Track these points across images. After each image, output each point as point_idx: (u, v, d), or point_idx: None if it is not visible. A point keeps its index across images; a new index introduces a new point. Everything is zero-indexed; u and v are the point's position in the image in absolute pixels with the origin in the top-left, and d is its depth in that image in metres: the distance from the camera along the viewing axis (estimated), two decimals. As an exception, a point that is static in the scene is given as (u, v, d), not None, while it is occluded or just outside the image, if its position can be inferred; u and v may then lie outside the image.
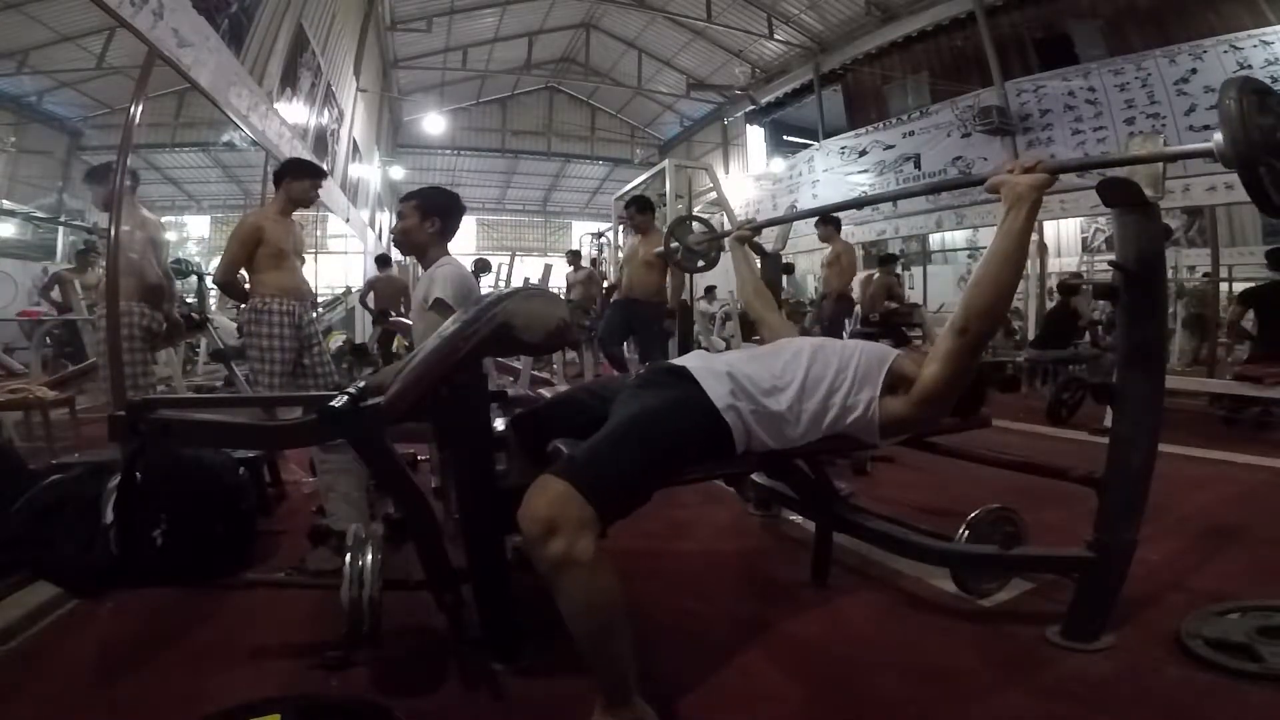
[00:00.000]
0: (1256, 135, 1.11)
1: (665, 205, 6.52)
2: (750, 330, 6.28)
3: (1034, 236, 11.50)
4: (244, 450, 2.37)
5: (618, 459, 1.21)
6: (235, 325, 2.97)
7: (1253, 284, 4.95)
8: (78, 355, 5.56)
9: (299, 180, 2.99)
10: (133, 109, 2.84)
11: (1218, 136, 1.15)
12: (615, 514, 1.18)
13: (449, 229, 2.37)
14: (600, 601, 1.11)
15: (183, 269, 6.22)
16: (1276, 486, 3.00)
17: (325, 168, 3.46)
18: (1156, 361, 1.53)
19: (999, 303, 1.41)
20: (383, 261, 7.43)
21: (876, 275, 6.73)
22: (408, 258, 5.15)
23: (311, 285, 3.45)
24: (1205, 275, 6.84)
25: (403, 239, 2.42)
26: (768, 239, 3.26)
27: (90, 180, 3.13)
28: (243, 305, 2.97)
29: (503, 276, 9.29)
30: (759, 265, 2.86)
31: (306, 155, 6.19)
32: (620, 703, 1.17)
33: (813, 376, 1.48)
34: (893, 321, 6.26)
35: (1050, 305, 6.54)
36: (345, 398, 1.33)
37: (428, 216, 2.32)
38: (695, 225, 3.00)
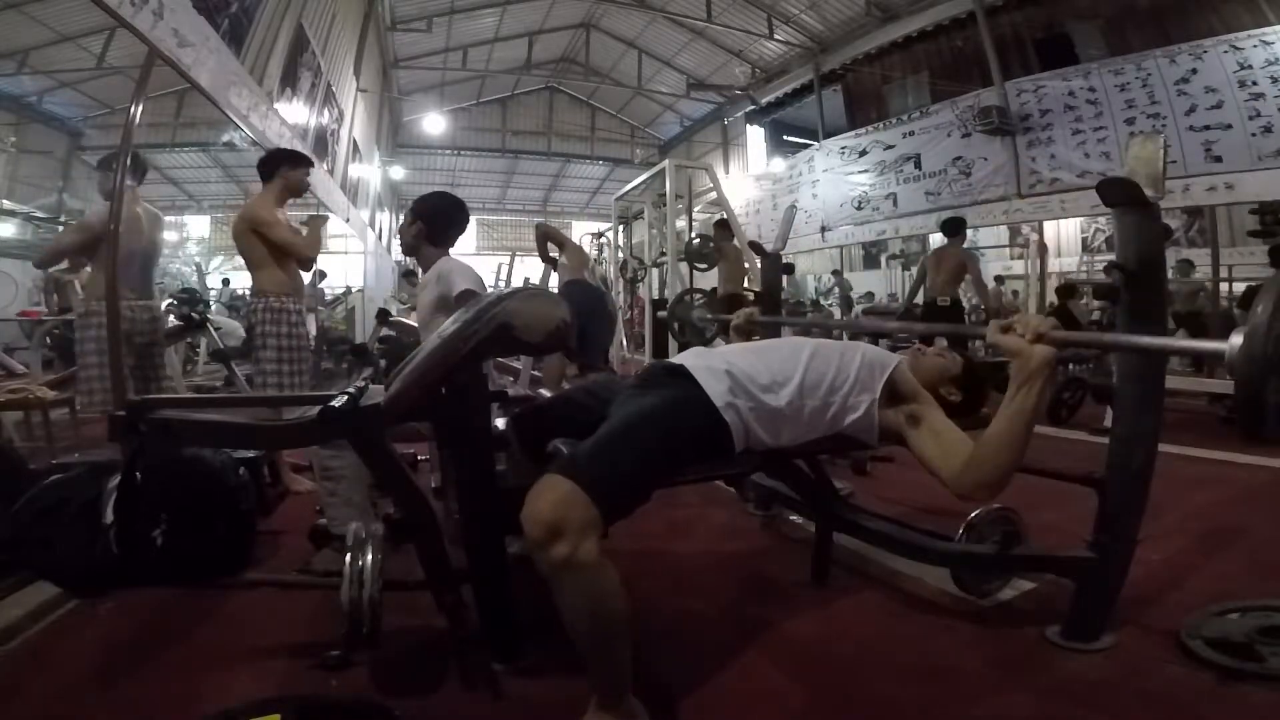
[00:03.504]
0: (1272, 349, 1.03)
1: (665, 205, 6.51)
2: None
3: (1034, 236, 11.36)
4: (244, 450, 2.38)
5: (620, 459, 1.20)
6: (249, 324, 2.79)
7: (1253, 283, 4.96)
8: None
9: (297, 169, 2.89)
10: (133, 109, 2.84)
11: (1235, 339, 1.07)
12: (618, 514, 1.18)
13: (436, 231, 2.45)
14: (603, 603, 1.11)
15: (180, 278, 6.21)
16: (1276, 486, 2.99)
17: (313, 159, 3.32)
18: (1156, 362, 1.53)
19: (1005, 478, 1.34)
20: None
21: (949, 248, 5.58)
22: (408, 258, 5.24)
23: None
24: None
25: (400, 241, 2.62)
26: (768, 240, 3.26)
27: (103, 167, 2.98)
28: (259, 304, 2.79)
29: (502, 276, 9.30)
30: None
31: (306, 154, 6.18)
32: (614, 702, 1.18)
33: (812, 374, 1.48)
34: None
35: (1050, 305, 6.52)
36: (345, 398, 1.33)
37: (415, 220, 2.44)
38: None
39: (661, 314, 4.51)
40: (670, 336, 5.72)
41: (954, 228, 5.62)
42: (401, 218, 2.58)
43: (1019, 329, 1.30)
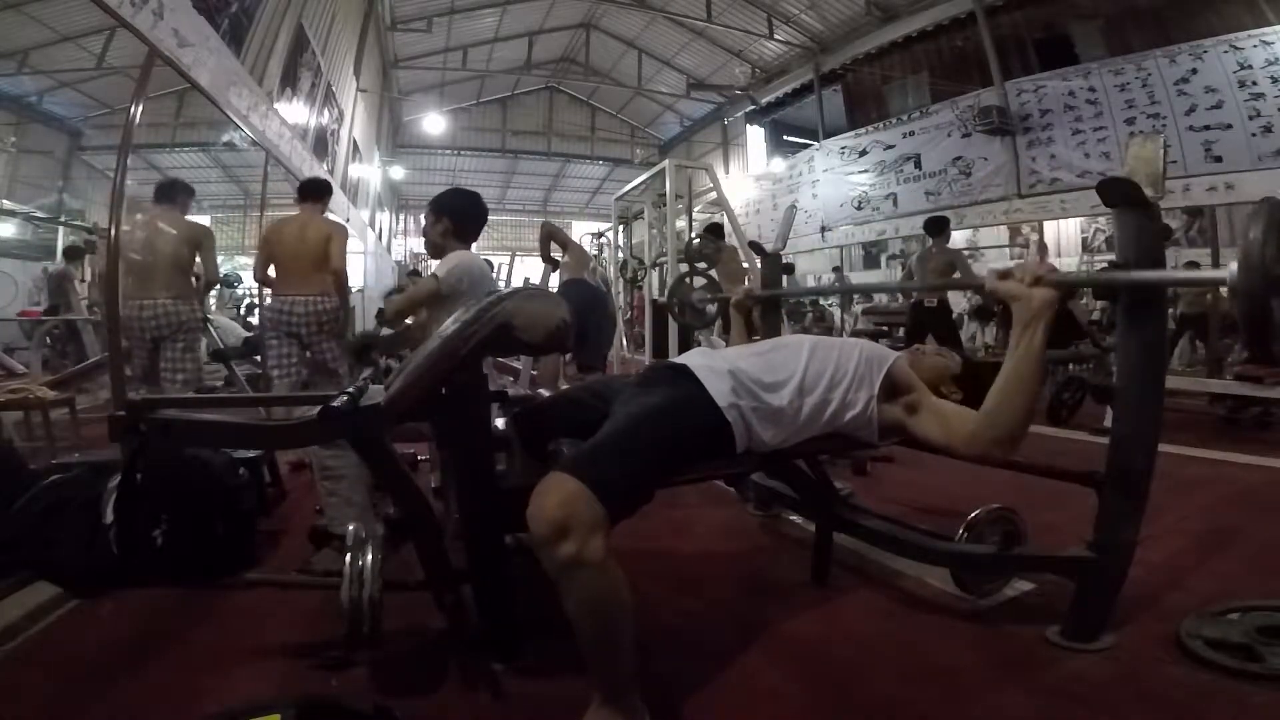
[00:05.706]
0: (1275, 270, 1.04)
1: (665, 205, 6.52)
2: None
3: (1034, 236, 11.34)
4: (244, 450, 2.38)
5: (625, 457, 1.21)
6: (319, 323, 3.39)
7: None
8: (78, 355, 5.56)
9: None
10: (133, 109, 2.85)
11: (1233, 266, 1.08)
12: (624, 512, 1.18)
13: (462, 227, 2.44)
14: (608, 602, 1.11)
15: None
16: (1276, 486, 2.99)
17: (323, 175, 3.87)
18: (1156, 362, 1.53)
19: (1022, 428, 1.34)
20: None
21: (934, 249, 5.41)
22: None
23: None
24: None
25: (426, 243, 2.63)
26: (767, 239, 3.26)
27: (158, 193, 3.33)
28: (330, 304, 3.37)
29: (503, 276, 9.30)
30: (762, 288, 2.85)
31: (306, 155, 6.21)
32: (616, 700, 1.17)
33: (812, 371, 1.49)
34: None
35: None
36: (345, 397, 1.33)
37: (439, 218, 2.42)
38: (702, 253, 3.01)
39: (662, 299, 4.47)
40: (670, 336, 5.74)
41: (937, 227, 5.46)
42: (401, 218, 2.57)
43: (1017, 275, 1.35)
